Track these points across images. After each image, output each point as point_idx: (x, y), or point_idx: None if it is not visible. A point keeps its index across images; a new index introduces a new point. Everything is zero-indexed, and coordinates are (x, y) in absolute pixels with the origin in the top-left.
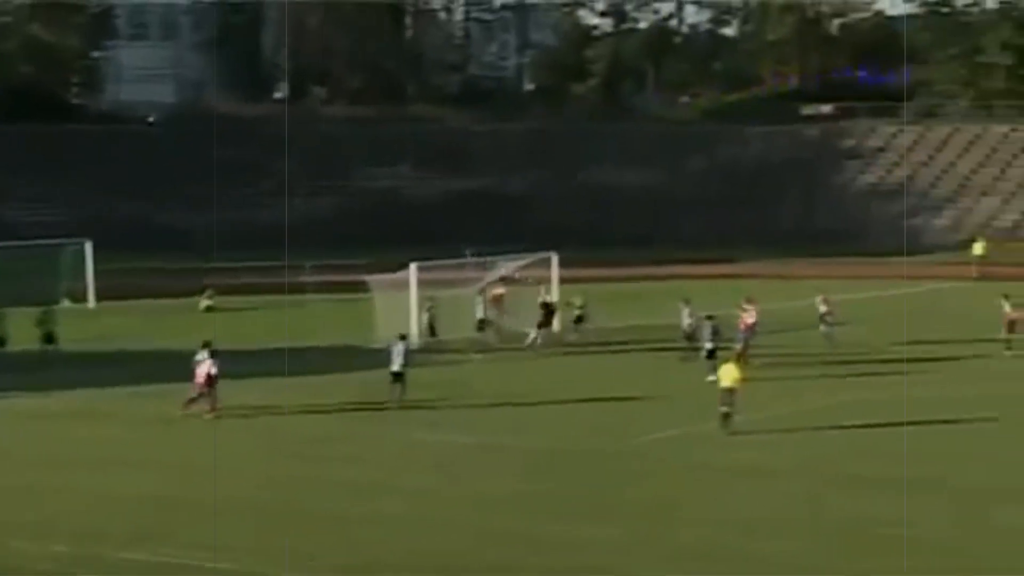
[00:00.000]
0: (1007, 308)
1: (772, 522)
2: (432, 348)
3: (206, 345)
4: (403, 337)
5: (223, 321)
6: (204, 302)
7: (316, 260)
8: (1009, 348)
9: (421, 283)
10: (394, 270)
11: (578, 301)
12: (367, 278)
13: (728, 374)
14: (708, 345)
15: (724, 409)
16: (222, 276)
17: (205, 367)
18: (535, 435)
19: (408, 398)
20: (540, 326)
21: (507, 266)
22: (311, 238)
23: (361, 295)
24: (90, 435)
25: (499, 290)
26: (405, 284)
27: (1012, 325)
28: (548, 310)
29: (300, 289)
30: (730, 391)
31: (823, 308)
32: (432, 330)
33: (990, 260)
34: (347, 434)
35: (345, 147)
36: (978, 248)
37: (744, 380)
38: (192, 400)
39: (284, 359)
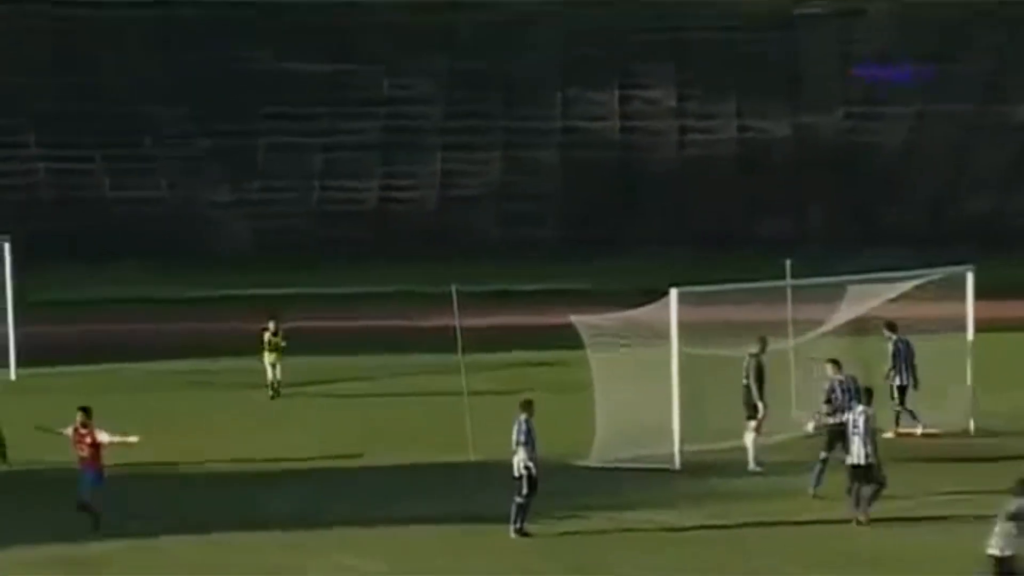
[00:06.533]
0: None
1: None
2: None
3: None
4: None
5: (301, 413)
6: (269, 378)
7: (471, 281)
8: None
9: (690, 327)
10: (634, 301)
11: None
12: (575, 319)
13: None
14: None
15: None
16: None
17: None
18: None
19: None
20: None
21: (871, 293)
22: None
23: (566, 352)
24: None
25: None
26: (654, 330)
27: None
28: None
29: (431, 340)
30: None
31: None
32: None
33: None
34: None
35: None
36: None
37: None
38: None
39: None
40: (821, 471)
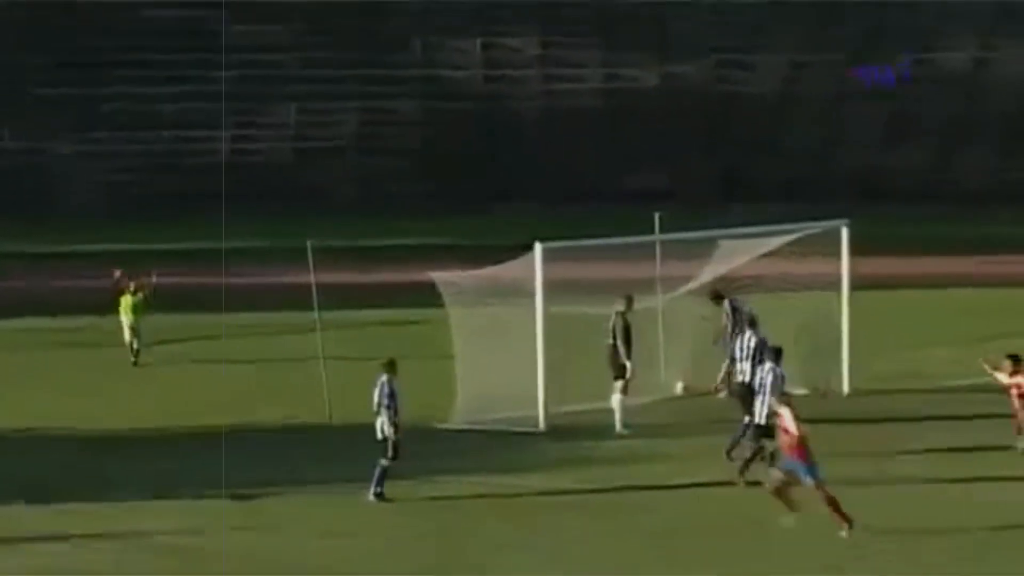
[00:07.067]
0: None
1: None
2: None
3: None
4: None
5: (158, 374)
6: (127, 333)
7: (330, 236)
8: None
9: (555, 285)
10: (498, 257)
11: None
12: (436, 276)
13: None
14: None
15: None
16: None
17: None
18: None
19: None
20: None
21: (743, 249)
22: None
23: (429, 310)
24: None
25: None
26: (517, 288)
27: None
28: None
29: (290, 298)
30: None
31: None
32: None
33: None
34: None
35: None
36: None
37: None
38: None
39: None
40: (740, 436)
